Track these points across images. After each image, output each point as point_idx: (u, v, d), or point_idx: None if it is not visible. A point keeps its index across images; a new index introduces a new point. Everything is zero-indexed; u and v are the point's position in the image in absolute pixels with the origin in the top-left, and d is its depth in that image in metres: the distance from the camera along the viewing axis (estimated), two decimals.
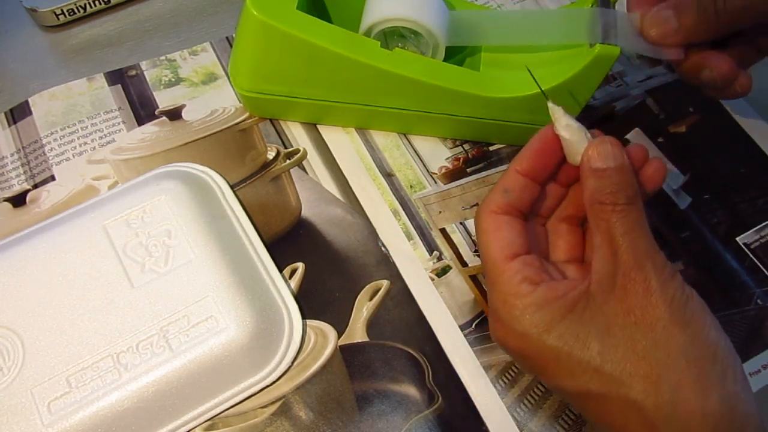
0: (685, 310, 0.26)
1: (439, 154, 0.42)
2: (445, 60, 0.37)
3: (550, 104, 0.30)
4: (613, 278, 0.27)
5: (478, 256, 0.39)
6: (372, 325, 0.36)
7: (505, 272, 0.29)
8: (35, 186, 0.40)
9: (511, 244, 0.29)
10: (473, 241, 0.39)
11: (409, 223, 0.39)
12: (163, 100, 0.43)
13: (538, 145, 0.31)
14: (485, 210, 0.30)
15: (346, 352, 0.35)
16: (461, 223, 0.40)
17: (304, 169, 0.41)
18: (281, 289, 0.35)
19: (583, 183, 0.28)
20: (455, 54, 0.40)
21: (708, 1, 0.32)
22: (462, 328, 0.36)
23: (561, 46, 0.36)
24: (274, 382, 0.33)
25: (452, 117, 0.39)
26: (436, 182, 0.41)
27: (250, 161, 0.40)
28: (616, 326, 0.26)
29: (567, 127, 0.29)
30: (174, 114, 0.42)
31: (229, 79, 0.44)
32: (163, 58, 0.45)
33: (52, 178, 0.40)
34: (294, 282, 0.37)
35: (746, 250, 0.39)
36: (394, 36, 0.37)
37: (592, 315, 0.27)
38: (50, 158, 0.40)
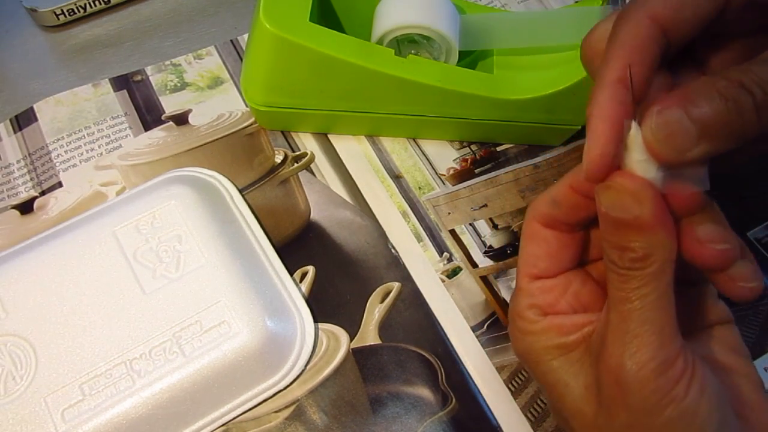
0: (659, 416, 0.22)
1: (446, 155, 0.42)
2: (457, 64, 0.37)
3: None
4: (602, 340, 0.23)
5: (489, 257, 0.39)
6: (384, 327, 0.36)
7: (521, 290, 0.27)
8: (42, 193, 0.40)
9: (536, 263, 0.26)
10: (483, 242, 0.39)
11: (418, 224, 0.39)
12: (169, 105, 0.43)
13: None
14: (529, 214, 0.27)
15: (359, 354, 0.35)
16: (470, 224, 0.40)
17: (312, 173, 0.41)
18: (292, 292, 0.35)
19: (599, 213, 0.23)
20: (466, 57, 0.40)
21: (737, 90, 0.20)
22: (474, 329, 0.36)
23: (573, 45, 0.36)
24: (287, 387, 0.33)
25: (465, 120, 0.39)
26: (444, 183, 0.41)
27: (258, 165, 0.40)
28: (599, 382, 0.23)
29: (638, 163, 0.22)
30: (181, 119, 0.42)
31: (235, 83, 0.44)
32: (168, 62, 0.45)
33: (60, 184, 0.40)
34: (305, 285, 0.37)
35: (757, 245, 0.39)
36: (406, 42, 0.37)
37: (585, 363, 0.24)
38: (57, 164, 0.40)
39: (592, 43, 0.25)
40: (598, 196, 0.22)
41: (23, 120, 0.42)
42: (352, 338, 0.35)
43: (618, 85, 0.22)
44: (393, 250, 0.38)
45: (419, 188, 0.41)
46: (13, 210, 0.39)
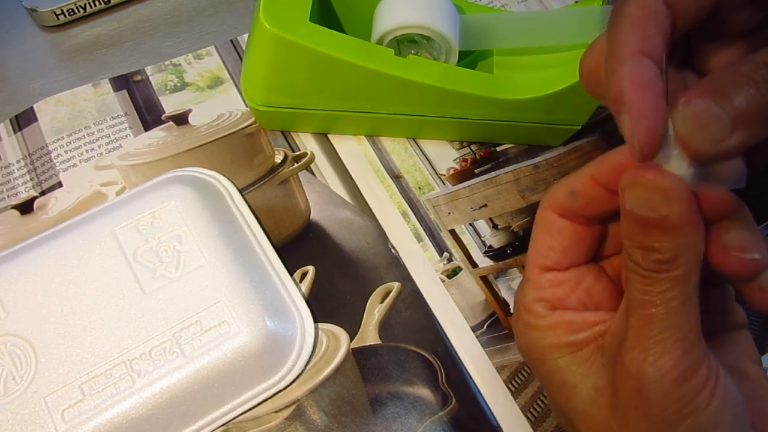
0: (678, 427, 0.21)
1: (446, 155, 0.42)
2: (457, 64, 0.37)
3: None
4: (619, 345, 0.22)
5: (489, 257, 0.39)
6: (384, 327, 0.36)
7: (529, 282, 0.26)
8: (42, 193, 0.40)
9: (548, 254, 0.25)
10: (483, 242, 0.39)
11: (418, 224, 0.39)
12: (169, 105, 0.43)
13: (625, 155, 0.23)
14: (544, 203, 0.25)
15: (359, 354, 0.35)
16: (470, 224, 0.40)
17: (312, 173, 0.41)
18: (292, 292, 0.35)
19: (622, 208, 0.21)
20: (466, 57, 0.40)
21: (766, 71, 0.19)
22: (474, 329, 0.36)
23: (574, 45, 0.36)
24: (287, 387, 0.33)
25: (465, 120, 0.39)
26: (444, 183, 0.41)
27: (257, 165, 0.40)
28: (615, 387, 0.22)
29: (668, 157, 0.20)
30: (180, 119, 0.42)
31: (235, 83, 0.44)
32: (168, 62, 0.45)
33: (60, 184, 0.40)
34: (305, 285, 0.37)
35: None
36: (406, 42, 0.37)
37: (594, 364, 0.23)
38: (57, 164, 0.40)
39: (594, 54, 0.24)
40: (623, 192, 0.21)
41: (23, 120, 0.42)
42: (352, 338, 0.35)
43: (642, 58, 0.20)
44: (393, 250, 0.38)
45: (419, 188, 0.41)
46: (13, 210, 0.39)
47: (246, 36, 0.45)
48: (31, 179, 0.40)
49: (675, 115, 0.19)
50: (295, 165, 0.41)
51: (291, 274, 0.36)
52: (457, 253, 0.39)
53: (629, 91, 0.20)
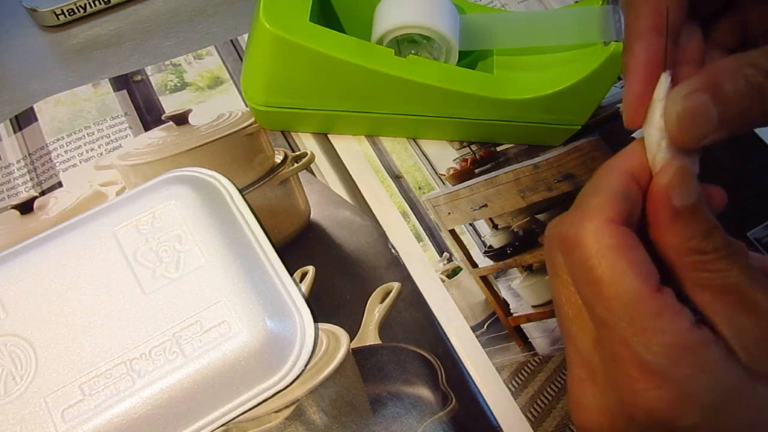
0: None
1: (446, 155, 0.42)
2: (457, 64, 0.37)
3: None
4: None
5: (489, 257, 0.39)
6: (384, 327, 0.36)
7: (665, 312, 0.20)
8: (42, 193, 0.40)
9: (652, 270, 0.21)
10: (483, 242, 0.39)
11: (418, 224, 0.39)
12: (169, 105, 0.43)
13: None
14: (600, 217, 0.21)
15: (359, 354, 0.35)
16: (470, 224, 0.40)
17: (312, 172, 0.41)
18: (292, 292, 0.35)
19: (661, 226, 0.21)
20: (466, 57, 0.40)
21: (757, 74, 0.20)
22: (474, 329, 0.36)
23: (574, 45, 0.36)
24: (287, 387, 0.33)
25: (465, 120, 0.39)
26: (444, 183, 0.41)
27: (258, 165, 0.40)
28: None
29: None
30: (180, 119, 0.42)
31: (235, 83, 0.44)
32: (168, 62, 0.45)
33: (60, 184, 0.40)
34: (305, 285, 0.37)
35: (757, 245, 0.39)
36: (406, 42, 0.37)
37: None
38: (57, 164, 0.40)
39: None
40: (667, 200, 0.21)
41: (23, 120, 0.42)
42: (352, 338, 0.35)
43: (653, 34, 0.22)
44: (393, 250, 0.38)
45: (419, 188, 0.41)
46: (13, 210, 0.39)
47: (246, 36, 0.45)
48: (31, 179, 0.40)
49: (671, 104, 0.21)
50: (295, 165, 0.41)
51: (291, 274, 0.36)
52: (457, 253, 0.39)
53: (629, 73, 0.22)
